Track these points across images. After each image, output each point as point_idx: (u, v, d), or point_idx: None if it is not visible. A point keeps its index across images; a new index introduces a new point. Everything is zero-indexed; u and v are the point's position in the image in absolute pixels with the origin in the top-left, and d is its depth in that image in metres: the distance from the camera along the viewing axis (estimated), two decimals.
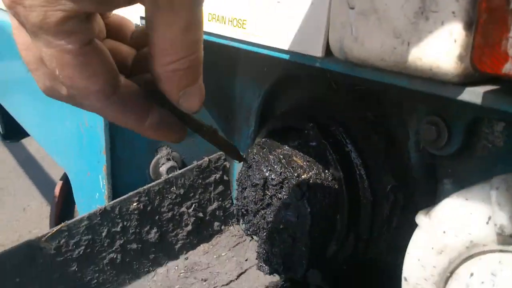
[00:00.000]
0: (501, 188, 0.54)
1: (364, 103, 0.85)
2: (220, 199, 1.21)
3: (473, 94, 0.48)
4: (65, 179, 2.16)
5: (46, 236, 1.00)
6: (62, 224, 1.02)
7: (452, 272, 0.64)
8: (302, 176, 0.84)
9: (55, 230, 1.01)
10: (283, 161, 0.86)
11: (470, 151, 0.73)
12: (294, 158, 0.87)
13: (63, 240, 1.03)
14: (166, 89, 0.47)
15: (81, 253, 1.06)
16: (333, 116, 0.87)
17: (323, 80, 0.89)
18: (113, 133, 1.03)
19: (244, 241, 1.23)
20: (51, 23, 0.38)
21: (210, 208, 1.20)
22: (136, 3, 0.42)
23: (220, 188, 1.20)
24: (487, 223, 0.58)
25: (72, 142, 1.20)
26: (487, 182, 0.58)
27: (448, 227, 0.63)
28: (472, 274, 0.61)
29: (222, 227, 1.25)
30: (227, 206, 1.23)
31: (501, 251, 0.58)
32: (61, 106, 1.24)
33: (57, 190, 2.00)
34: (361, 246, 0.88)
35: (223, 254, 1.20)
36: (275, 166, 0.87)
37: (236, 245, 1.22)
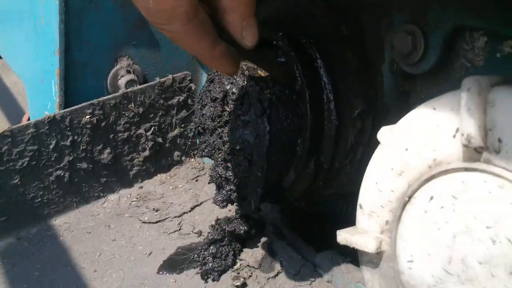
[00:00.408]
0: (473, 90, 0.46)
1: (341, 17, 0.76)
2: (183, 125, 1.12)
3: None
4: None
5: None
6: (6, 128, 0.93)
7: (410, 197, 0.56)
8: (265, 92, 0.75)
9: None
10: (246, 73, 0.77)
11: (447, 71, 0.65)
12: (259, 71, 0.78)
13: (5, 147, 0.94)
14: (231, 20, 0.56)
15: (24, 164, 0.98)
16: (306, 28, 0.78)
17: None
18: (69, 31, 0.93)
19: (204, 174, 1.15)
20: None
21: (170, 134, 1.12)
22: None
23: (183, 113, 1.11)
24: (454, 136, 0.50)
25: (29, 45, 1.10)
26: (459, 90, 0.50)
27: (411, 143, 0.55)
28: (431, 198, 0.53)
29: (183, 157, 1.17)
30: (189, 135, 1.15)
31: (465, 169, 0.50)
32: (21, 5, 1.14)
33: (24, 119, 1.91)
34: (321, 177, 0.81)
35: (180, 185, 1.12)
36: (237, 79, 0.78)
37: (195, 178, 1.14)
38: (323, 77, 0.75)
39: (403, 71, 0.70)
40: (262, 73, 0.77)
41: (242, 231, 0.87)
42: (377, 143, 0.79)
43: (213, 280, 0.86)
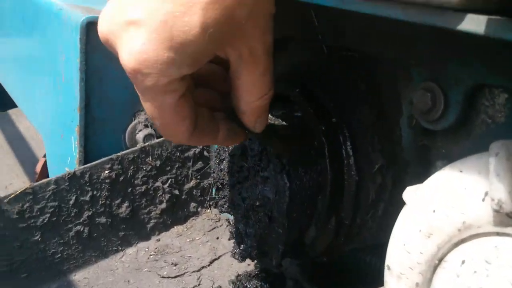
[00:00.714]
0: (501, 155, 0.46)
1: (356, 72, 0.76)
2: (199, 177, 1.13)
3: (475, 22, 0.39)
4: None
5: (9, 198, 0.93)
6: (27, 185, 0.94)
7: (440, 260, 0.55)
8: (284, 148, 0.75)
9: (19, 191, 0.93)
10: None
11: (467, 128, 0.65)
12: (275, 123, 0.78)
13: (27, 204, 0.96)
14: (247, 120, 0.61)
15: (45, 221, 0.98)
16: (321, 83, 0.78)
17: (312, 44, 0.81)
18: (90, 89, 0.95)
19: (220, 225, 1.15)
20: (160, 85, 0.49)
21: (187, 186, 1.12)
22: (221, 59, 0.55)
23: (199, 164, 1.11)
24: (483, 200, 0.50)
25: (48, 100, 1.12)
26: (486, 152, 0.50)
27: (439, 205, 0.55)
28: (463, 262, 0.52)
29: (199, 209, 1.16)
30: (205, 186, 1.15)
31: (497, 234, 0.49)
32: (42, 62, 1.17)
33: (38, 167, 1.93)
34: (342, 233, 0.79)
35: (197, 238, 1.12)
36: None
37: (212, 229, 1.14)
38: (341, 132, 0.75)
39: (423, 126, 0.70)
40: (280, 130, 0.77)
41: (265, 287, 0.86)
42: (398, 198, 0.79)
43: None
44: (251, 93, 0.57)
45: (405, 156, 0.76)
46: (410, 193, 0.58)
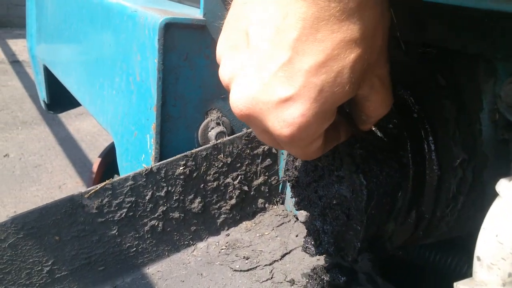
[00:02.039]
0: None
1: (435, 67, 0.77)
2: (267, 173, 1.15)
3: None
4: (104, 156, 2.16)
5: (90, 193, 0.97)
6: (107, 181, 0.99)
7: None
8: (355, 146, 0.77)
9: (99, 187, 0.98)
10: None
11: None
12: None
13: (106, 200, 1.00)
14: (368, 126, 0.67)
15: (123, 215, 1.03)
16: (401, 78, 0.80)
17: (391, 39, 0.82)
18: (166, 88, 0.99)
19: (288, 221, 1.17)
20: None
21: (255, 182, 1.15)
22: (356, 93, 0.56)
23: (268, 161, 1.14)
24: None
25: (121, 99, 1.17)
26: None
27: None
28: None
29: (266, 205, 1.19)
30: (273, 183, 1.17)
31: None
32: (113, 62, 1.22)
33: (95, 167, 2.00)
34: (422, 226, 0.80)
35: (266, 233, 1.14)
36: None
37: (280, 225, 1.16)
38: (422, 126, 0.76)
39: (506, 120, 0.70)
40: None
41: (341, 281, 0.87)
42: (476, 192, 0.79)
43: None
44: (380, 109, 0.62)
45: (484, 150, 0.76)
46: (505, 185, 0.59)
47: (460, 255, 1.06)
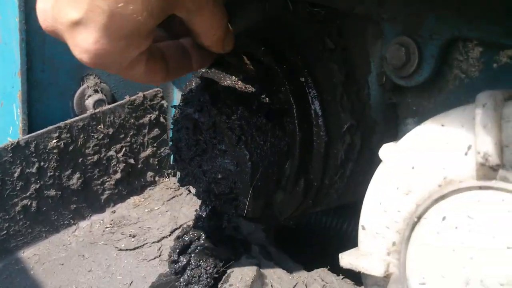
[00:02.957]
0: (488, 105, 0.44)
1: (323, 30, 0.73)
2: (155, 144, 1.07)
3: None
4: None
5: None
6: None
7: (419, 217, 0.53)
8: (232, 117, 0.72)
9: None
10: (211, 100, 0.73)
11: (440, 84, 0.64)
12: (222, 94, 0.74)
13: None
14: (216, 49, 0.64)
15: None
16: (289, 40, 0.75)
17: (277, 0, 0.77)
18: (31, 50, 0.86)
19: (180, 194, 1.10)
20: (123, 68, 0.55)
21: (143, 154, 1.06)
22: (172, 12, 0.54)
23: (156, 131, 1.06)
24: (466, 154, 0.49)
25: None
26: (470, 104, 0.48)
27: (418, 162, 0.53)
28: (444, 218, 0.51)
29: (156, 178, 1.11)
30: (162, 154, 1.10)
31: (480, 188, 0.48)
32: None
33: None
34: (311, 195, 0.78)
35: (156, 208, 1.07)
36: (204, 107, 0.74)
37: (171, 198, 1.09)
38: (310, 91, 0.72)
39: (393, 83, 0.68)
40: (227, 98, 0.74)
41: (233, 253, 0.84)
42: (365, 158, 0.78)
43: None
44: (208, 33, 0.61)
45: (372, 115, 0.74)
46: (387, 150, 0.57)
47: (356, 219, 1.07)
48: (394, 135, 0.73)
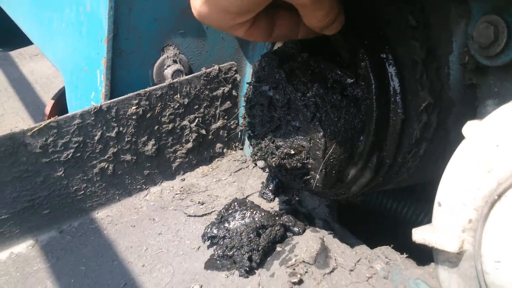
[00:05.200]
0: None
1: (407, 6, 0.73)
2: (226, 117, 1.10)
3: None
4: (57, 98, 2.04)
5: (33, 131, 0.90)
6: (52, 118, 0.91)
7: (500, 195, 0.53)
8: (307, 95, 0.73)
9: (43, 124, 0.90)
10: (287, 77, 0.75)
11: None
12: (297, 71, 0.75)
13: (51, 139, 0.92)
14: (326, 32, 0.68)
15: (69, 156, 0.96)
16: (371, 17, 0.75)
17: None
18: (118, 19, 0.90)
19: (246, 167, 1.13)
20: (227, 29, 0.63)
21: (214, 126, 1.10)
22: None
23: (227, 104, 1.09)
24: None
25: (70, 32, 1.07)
26: None
27: (504, 140, 0.53)
28: None
29: (224, 149, 1.14)
30: (232, 127, 1.13)
31: None
32: None
33: (47, 110, 1.87)
34: (382, 172, 0.78)
35: (223, 178, 1.10)
36: (279, 84, 0.76)
37: (238, 170, 1.12)
38: (389, 68, 0.72)
39: (476, 63, 0.67)
40: (300, 74, 0.75)
41: (291, 226, 0.86)
42: (440, 138, 0.77)
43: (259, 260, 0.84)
44: (318, 16, 0.63)
45: (451, 95, 0.74)
46: (471, 128, 0.57)
47: (416, 204, 1.07)
48: (471, 116, 0.72)
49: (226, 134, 1.12)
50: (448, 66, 0.72)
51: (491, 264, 0.54)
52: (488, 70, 0.67)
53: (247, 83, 0.88)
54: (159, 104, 0.99)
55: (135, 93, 0.96)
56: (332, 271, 0.83)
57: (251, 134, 0.85)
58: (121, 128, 0.98)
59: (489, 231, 0.55)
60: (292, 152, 0.77)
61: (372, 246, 0.90)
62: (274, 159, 0.80)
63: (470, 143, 0.56)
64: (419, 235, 0.61)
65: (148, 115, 0.99)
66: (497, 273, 0.54)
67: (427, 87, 0.72)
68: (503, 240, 0.53)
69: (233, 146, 1.15)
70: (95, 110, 0.94)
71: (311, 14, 0.63)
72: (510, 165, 0.52)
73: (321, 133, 0.72)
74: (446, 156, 0.62)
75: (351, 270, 0.83)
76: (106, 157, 1.00)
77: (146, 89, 0.96)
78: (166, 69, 0.99)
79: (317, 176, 0.76)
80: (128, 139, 1.00)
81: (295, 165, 0.78)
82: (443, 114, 0.74)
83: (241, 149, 1.16)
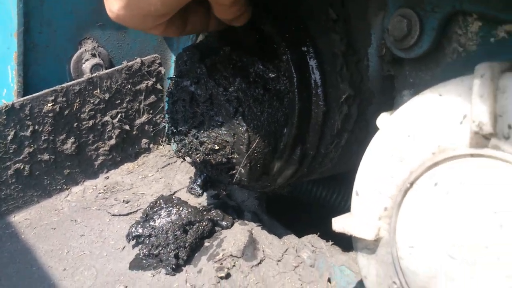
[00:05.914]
0: (486, 76, 0.46)
1: (327, 0, 0.74)
2: (151, 111, 1.07)
3: None
4: None
5: None
6: None
7: (412, 183, 0.55)
8: (229, 90, 0.73)
9: None
10: (208, 72, 0.74)
11: (438, 57, 0.65)
12: (219, 66, 0.75)
13: None
14: (231, 23, 0.70)
15: None
16: (293, 10, 0.75)
17: None
18: (29, 11, 0.85)
19: (174, 162, 1.11)
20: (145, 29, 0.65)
21: (138, 121, 1.06)
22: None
23: (152, 98, 1.06)
24: (461, 122, 0.50)
25: None
26: (467, 75, 0.50)
27: (414, 130, 0.55)
28: (436, 184, 0.53)
29: (151, 145, 1.12)
30: (158, 121, 1.10)
31: (472, 155, 0.50)
32: None
33: None
34: (306, 163, 0.79)
35: (150, 175, 1.08)
36: (201, 79, 0.75)
37: (165, 166, 1.10)
38: (311, 61, 0.73)
39: (392, 55, 0.69)
40: (222, 68, 0.75)
41: (219, 220, 0.85)
42: (361, 128, 0.79)
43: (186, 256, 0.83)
44: (231, 11, 0.65)
45: (370, 87, 0.76)
46: (384, 119, 0.58)
47: (344, 190, 1.09)
48: (390, 107, 0.75)
49: (152, 129, 1.09)
50: (368, 58, 0.74)
51: (405, 249, 0.56)
52: (404, 62, 0.70)
53: (168, 78, 0.86)
54: (77, 100, 0.94)
55: (51, 89, 0.91)
56: (259, 263, 0.84)
57: (174, 131, 0.83)
58: (36, 127, 0.93)
59: (403, 218, 0.57)
60: (216, 147, 0.77)
61: (300, 235, 0.92)
62: (198, 155, 0.79)
63: (384, 134, 0.58)
64: (338, 224, 0.62)
65: (66, 112, 0.95)
66: (410, 258, 0.56)
67: (347, 79, 0.73)
68: (415, 226, 0.55)
69: (160, 141, 1.12)
70: (7, 109, 0.88)
71: (227, 10, 0.65)
72: (420, 154, 0.54)
73: (244, 128, 0.72)
74: (367, 146, 0.64)
75: (279, 261, 0.84)
76: (21, 157, 0.94)
77: (62, 85, 0.92)
78: (84, 63, 0.95)
79: (242, 170, 0.76)
80: (45, 137, 0.95)
81: (220, 160, 0.77)
82: (363, 105, 0.76)
83: (169, 144, 1.14)
